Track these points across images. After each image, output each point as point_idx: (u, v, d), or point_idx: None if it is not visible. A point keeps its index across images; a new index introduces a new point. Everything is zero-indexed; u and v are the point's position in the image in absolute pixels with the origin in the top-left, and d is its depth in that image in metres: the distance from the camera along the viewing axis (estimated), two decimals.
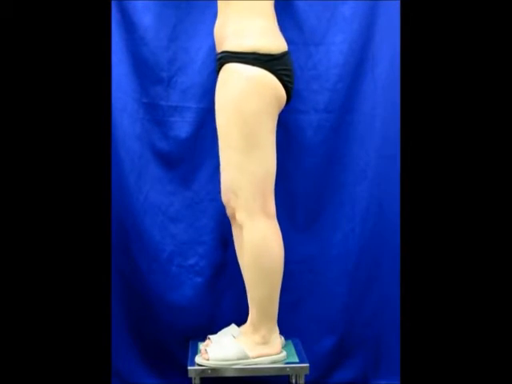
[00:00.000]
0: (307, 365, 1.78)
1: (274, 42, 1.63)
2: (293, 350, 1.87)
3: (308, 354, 1.85)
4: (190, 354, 1.86)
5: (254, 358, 1.73)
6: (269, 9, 1.65)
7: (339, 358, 2.11)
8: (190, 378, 1.75)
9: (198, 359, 1.76)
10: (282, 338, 1.86)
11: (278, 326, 1.89)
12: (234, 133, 1.64)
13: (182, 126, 2.00)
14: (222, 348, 1.74)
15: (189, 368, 1.75)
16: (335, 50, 1.96)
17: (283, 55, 1.65)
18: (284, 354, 1.78)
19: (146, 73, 1.99)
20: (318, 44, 1.96)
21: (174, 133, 2.01)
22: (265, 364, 1.74)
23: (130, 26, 1.96)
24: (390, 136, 1.99)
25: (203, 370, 1.74)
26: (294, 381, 1.89)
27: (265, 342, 1.75)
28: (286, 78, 1.64)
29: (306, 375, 1.79)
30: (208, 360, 1.73)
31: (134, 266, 2.05)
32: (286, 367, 1.77)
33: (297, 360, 1.80)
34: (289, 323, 2.00)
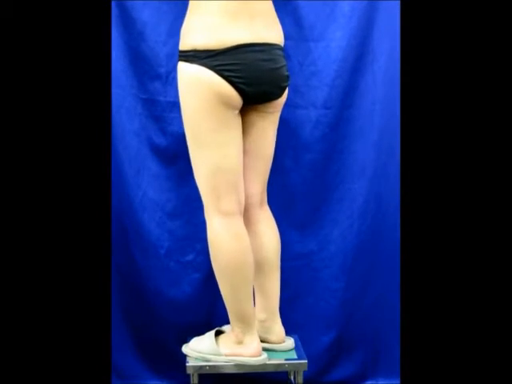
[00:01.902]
0: (306, 361, 1.78)
1: (217, 38, 1.57)
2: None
3: (306, 351, 1.85)
4: None
5: (226, 355, 1.74)
6: (223, 5, 1.58)
7: (338, 354, 2.11)
8: (189, 375, 1.75)
9: (183, 348, 1.83)
10: (291, 340, 1.85)
11: None
12: (186, 131, 1.69)
13: (181, 122, 1.98)
14: (199, 340, 1.80)
15: (187, 365, 1.75)
16: (334, 45, 1.96)
17: (229, 50, 1.57)
18: (261, 358, 1.74)
19: (144, 68, 1.99)
20: (318, 40, 1.96)
21: (173, 128, 2.00)
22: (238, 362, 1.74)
23: (128, 21, 1.95)
24: (388, 132, 1.99)
25: (201, 367, 1.74)
26: (292, 377, 1.89)
27: (239, 342, 1.75)
28: (227, 74, 1.57)
29: (304, 371, 1.79)
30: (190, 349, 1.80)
31: (132, 262, 2.05)
32: (284, 363, 1.77)
33: (295, 356, 1.80)
34: (287, 319, 2.00)
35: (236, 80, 1.58)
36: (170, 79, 1.98)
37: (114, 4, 1.93)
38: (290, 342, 1.84)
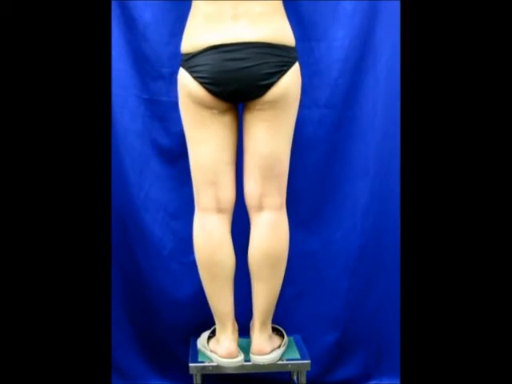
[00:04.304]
0: (308, 361, 1.78)
1: (194, 41, 1.63)
2: (294, 347, 1.87)
3: (310, 351, 1.85)
4: (190, 350, 1.86)
5: (210, 350, 1.79)
6: (205, 9, 1.63)
7: (341, 354, 2.11)
8: (191, 375, 1.75)
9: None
10: (275, 354, 1.76)
11: (279, 321, 1.89)
12: None
13: None
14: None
15: (190, 365, 1.75)
16: (337, 45, 1.95)
17: (201, 52, 1.61)
18: (232, 361, 1.72)
19: (146, 68, 1.98)
20: (320, 39, 1.95)
21: (175, 128, 2.00)
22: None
23: (130, 21, 1.95)
24: (391, 131, 1.98)
25: (204, 367, 1.74)
26: (295, 377, 1.89)
27: (217, 339, 1.78)
28: (195, 75, 1.63)
29: (307, 372, 1.79)
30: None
31: (134, 262, 2.05)
32: (287, 364, 1.77)
33: (298, 356, 1.80)
34: (290, 319, 2.00)
35: (203, 80, 1.62)
36: (172, 79, 1.98)
37: (116, 4, 1.93)
38: (271, 357, 1.74)
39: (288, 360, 1.78)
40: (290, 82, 1.65)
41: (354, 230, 2.06)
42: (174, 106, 1.98)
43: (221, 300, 1.75)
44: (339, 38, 1.95)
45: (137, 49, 1.97)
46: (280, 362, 1.76)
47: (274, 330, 1.87)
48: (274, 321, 1.82)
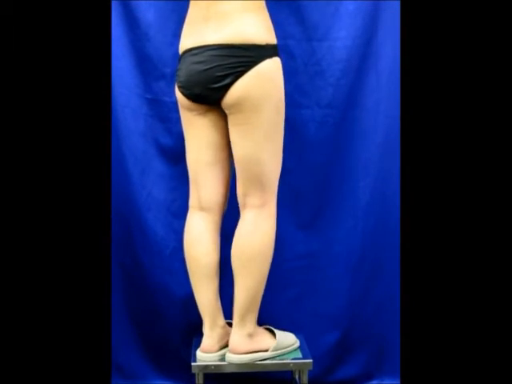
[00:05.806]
0: (311, 361, 1.77)
1: (180, 45, 1.70)
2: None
3: (311, 350, 1.85)
4: (193, 349, 1.86)
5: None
6: (191, 8, 1.68)
7: (342, 354, 2.11)
8: (193, 374, 1.76)
9: None
10: (250, 356, 1.74)
11: (280, 321, 1.89)
12: None
13: None
14: None
15: (192, 364, 1.75)
16: (339, 45, 1.95)
17: (181, 56, 1.69)
18: (201, 354, 1.76)
19: (149, 68, 1.99)
20: (322, 39, 1.95)
21: (178, 129, 2.00)
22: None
23: (133, 21, 1.96)
24: (392, 132, 1.98)
25: (206, 366, 1.74)
26: (297, 377, 1.89)
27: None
28: (176, 78, 1.71)
29: (309, 371, 1.78)
30: None
31: (137, 261, 2.06)
32: (289, 363, 1.77)
33: (300, 356, 1.80)
34: (292, 319, 2.00)
35: (179, 84, 1.70)
36: (174, 79, 1.98)
37: (118, 3, 1.94)
38: (248, 357, 1.73)
39: (290, 359, 1.77)
40: (249, 82, 1.58)
41: (355, 231, 2.06)
42: (176, 106, 1.98)
43: (197, 294, 1.80)
44: (341, 38, 1.95)
45: (139, 49, 1.98)
46: (282, 361, 1.76)
47: (271, 332, 1.86)
48: (274, 320, 1.82)
